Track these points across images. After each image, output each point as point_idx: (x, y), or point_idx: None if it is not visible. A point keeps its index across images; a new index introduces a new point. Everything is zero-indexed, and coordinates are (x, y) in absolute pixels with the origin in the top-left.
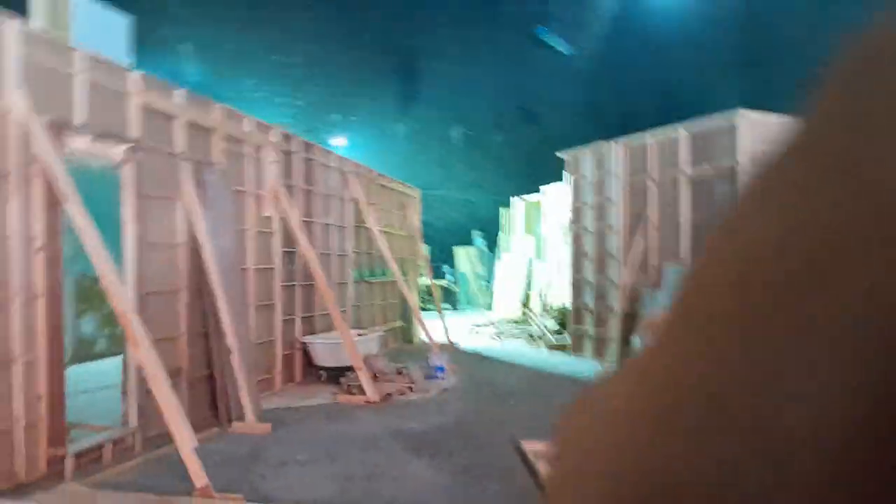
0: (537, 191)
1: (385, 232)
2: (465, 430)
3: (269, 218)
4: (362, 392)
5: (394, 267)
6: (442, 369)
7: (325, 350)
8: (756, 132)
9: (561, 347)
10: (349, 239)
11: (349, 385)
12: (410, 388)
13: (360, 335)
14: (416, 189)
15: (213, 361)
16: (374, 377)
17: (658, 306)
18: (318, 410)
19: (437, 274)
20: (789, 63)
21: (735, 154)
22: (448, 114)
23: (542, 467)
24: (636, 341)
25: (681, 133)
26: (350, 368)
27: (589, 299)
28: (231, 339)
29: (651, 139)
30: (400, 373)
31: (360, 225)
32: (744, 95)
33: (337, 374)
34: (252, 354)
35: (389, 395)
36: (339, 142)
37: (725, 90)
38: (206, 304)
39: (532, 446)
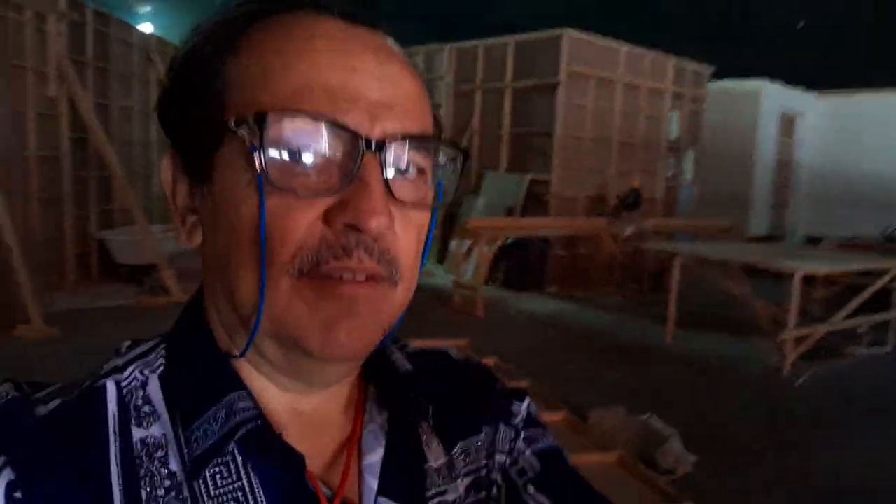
0: None
1: None
2: None
3: (54, 99)
4: (167, 293)
5: None
6: None
7: (125, 247)
8: (579, 51)
9: None
10: (155, 125)
11: (152, 285)
12: None
13: (168, 231)
14: None
15: None
16: (180, 275)
17: (476, 211)
18: (116, 312)
19: None
20: None
21: (557, 70)
22: None
23: None
24: (453, 245)
25: (508, 43)
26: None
27: None
28: (9, 236)
29: (481, 46)
30: None
31: None
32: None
33: (142, 274)
34: (38, 252)
35: None
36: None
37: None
38: None
39: None
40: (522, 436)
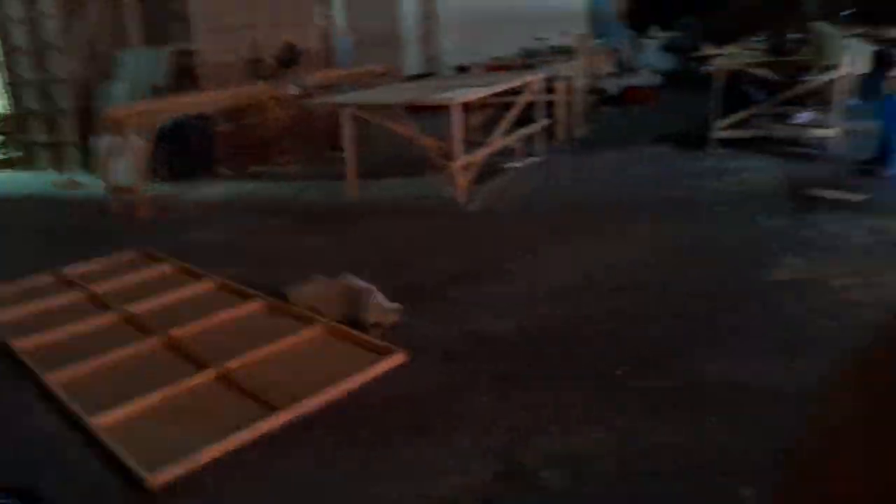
0: None
1: None
2: None
3: None
4: None
5: None
6: None
7: None
8: None
9: (9, 164)
10: None
11: None
12: None
13: None
14: None
15: None
16: None
17: (116, 99)
18: None
19: None
20: None
21: None
22: None
23: None
24: (96, 141)
25: None
26: None
27: (33, 102)
28: None
29: None
30: None
31: None
32: None
33: None
34: None
35: None
36: None
37: None
38: None
39: None
40: None
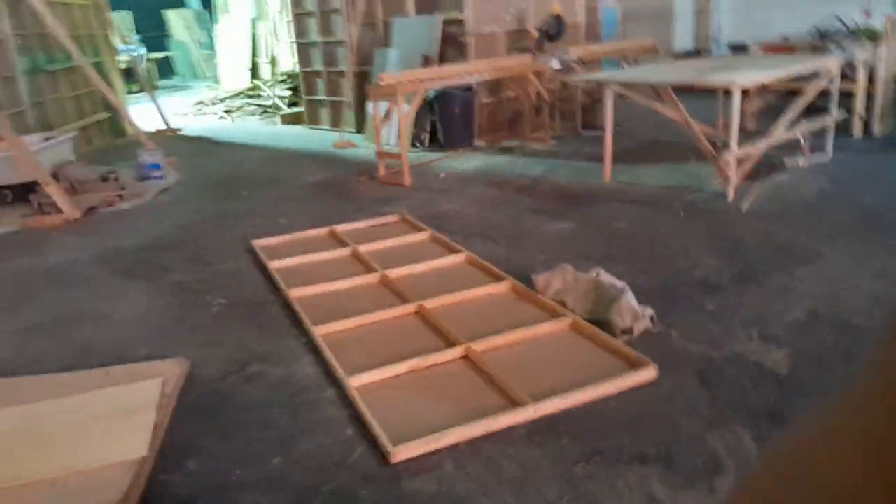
0: None
1: (56, 2)
2: (187, 237)
3: None
4: (59, 210)
5: (72, 47)
6: (157, 166)
7: None
8: None
9: (296, 119)
10: (5, 17)
11: (41, 203)
12: (120, 196)
13: (47, 139)
14: None
15: None
16: (73, 189)
17: (389, 65)
18: (2, 242)
19: (154, 46)
20: None
21: None
22: None
23: (275, 266)
24: (370, 109)
25: None
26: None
27: (318, 63)
28: None
29: None
30: (106, 179)
31: None
32: None
33: (26, 193)
34: None
35: (94, 208)
36: None
37: None
38: None
39: (265, 244)
40: None
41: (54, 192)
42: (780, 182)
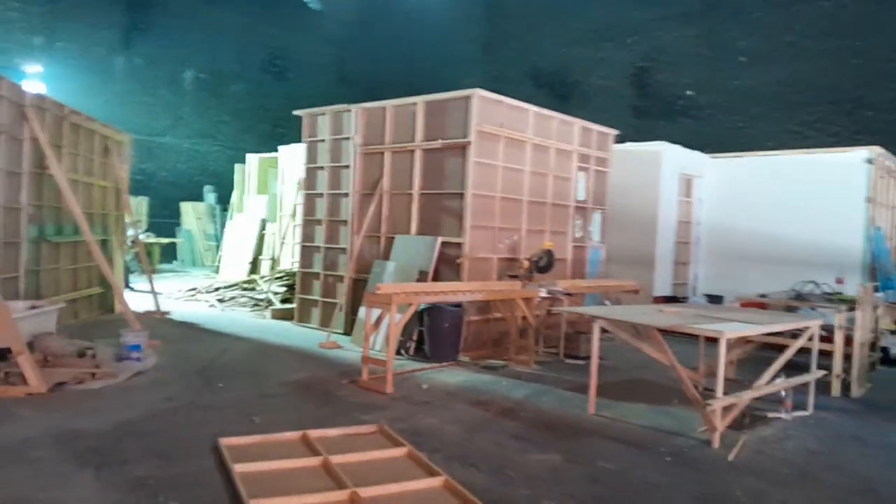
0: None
1: (79, 181)
2: (153, 427)
3: None
4: (25, 382)
5: (84, 225)
6: (138, 348)
7: None
8: (489, 112)
9: (287, 315)
10: (26, 188)
11: (7, 373)
12: (93, 375)
13: (33, 307)
14: (126, 134)
15: None
16: (45, 361)
17: (387, 276)
18: None
19: (164, 231)
20: (519, 53)
21: (467, 130)
22: (181, 53)
23: (240, 470)
24: (362, 314)
25: (418, 104)
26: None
27: (318, 266)
28: None
29: (389, 107)
30: (82, 354)
31: (42, 171)
32: (479, 76)
33: None
34: None
35: (62, 383)
36: (34, 69)
37: (465, 69)
38: None
39: (234, 443)
40: None
41: (24, 362)
42: (765, 436)
